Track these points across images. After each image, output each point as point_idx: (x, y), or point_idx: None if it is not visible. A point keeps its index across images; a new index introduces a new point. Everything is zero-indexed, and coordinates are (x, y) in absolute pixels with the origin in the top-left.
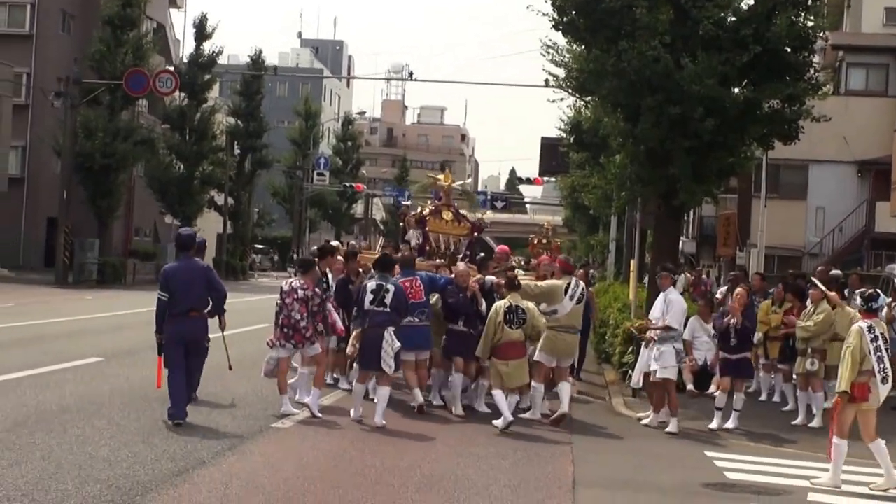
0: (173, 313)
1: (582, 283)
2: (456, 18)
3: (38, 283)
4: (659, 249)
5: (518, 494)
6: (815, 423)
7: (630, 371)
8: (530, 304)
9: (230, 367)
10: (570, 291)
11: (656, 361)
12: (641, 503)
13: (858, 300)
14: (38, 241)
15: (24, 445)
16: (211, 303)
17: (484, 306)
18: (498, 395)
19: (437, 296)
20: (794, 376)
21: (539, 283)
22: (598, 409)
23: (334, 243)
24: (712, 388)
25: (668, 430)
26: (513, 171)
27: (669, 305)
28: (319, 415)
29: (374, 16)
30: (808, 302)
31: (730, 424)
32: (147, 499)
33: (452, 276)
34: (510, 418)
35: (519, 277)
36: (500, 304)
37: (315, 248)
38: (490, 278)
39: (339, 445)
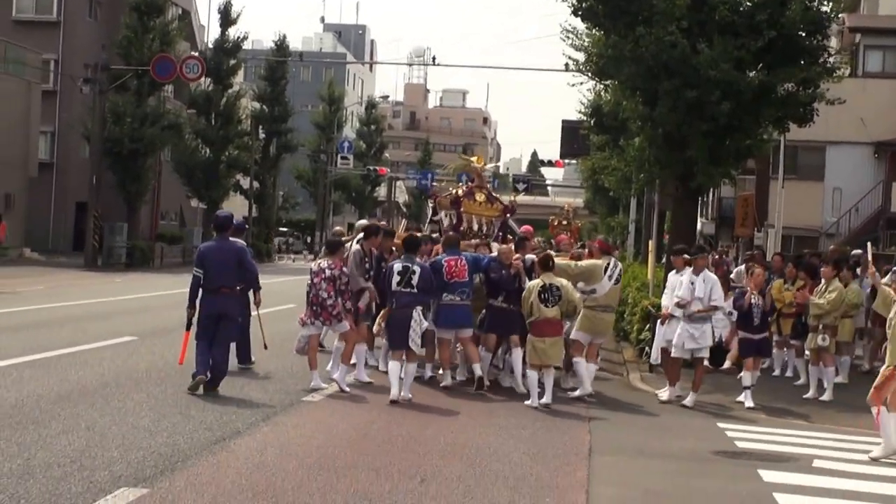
0: (206, 289)
1: (620, 264)
2: (474, 4)
3: (67, 266)
4: (677, 230)
5: (536, 461)
6: (826, 396)
7: (647, 348)
8: (563, 281)
9: (265, 346)
10: (608, 271)
11: (695, 340)
12: (653, 469)
13: None
14: (67, 226)
15: (69, 416)
16: (245, 281)
17: (527, 283)
18: (532, 376)
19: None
20: (806, 352)
21: (579, 263)
22: (616, 385)
23: (362, 222)
24: (726, 364)
25: (684, 402)
26: (534, 154)
27: (712, 286)
28: (347, 389)
29: (395, 1)
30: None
31: (740, 399)
32: (188, 464)
33: (493, 254)
34: (536, 403)
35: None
36: (534, 284)
37: (337, 228)
38: (530, 257)
39: (367, 417)
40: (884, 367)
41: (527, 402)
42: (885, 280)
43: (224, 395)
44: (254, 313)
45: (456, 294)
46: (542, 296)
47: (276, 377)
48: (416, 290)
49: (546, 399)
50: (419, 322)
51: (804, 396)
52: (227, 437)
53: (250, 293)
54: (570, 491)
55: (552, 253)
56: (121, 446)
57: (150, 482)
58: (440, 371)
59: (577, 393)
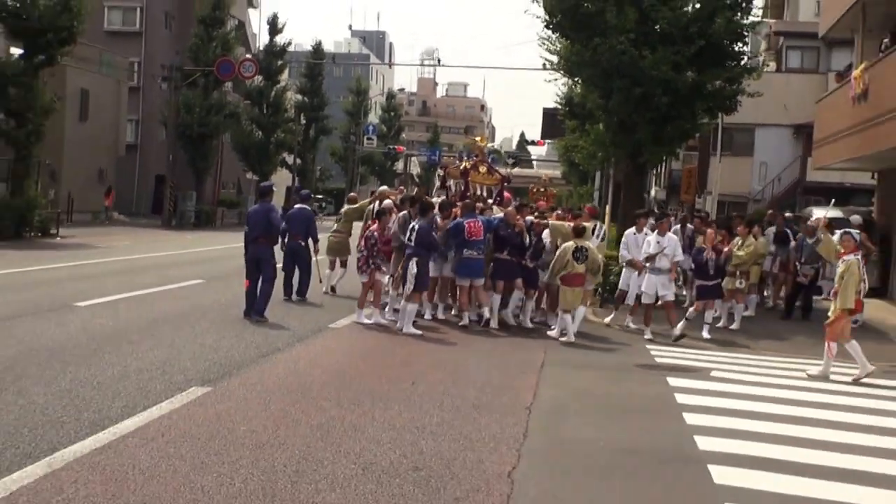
0: (249, 240)
1: (605, 226)
2: (479, 10)
3: (148, 226)
4: (627, 197)
5: (500, 371)
6: (735, 325)
7: (599, 289)
8: (590, 244)
9: (320, 281)
10: (596, 231)
11: (666, 287)
12: (586, 376)
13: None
14: (148, 194)
15: (153, 337)
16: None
17: (527, 240)
18: (566, 317)
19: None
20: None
21: (571, 224)
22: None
23: (383, 188)
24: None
25: (646, 336)
26: (522, 135)
27: (675, 245)
28: (368, 321)
29: (411, 9)
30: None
31: (706, 334)
32: (241, 371)
33: (499, 215)
34: (573, 339)
35: (550, 220)
36: (569, 245)
37: (351, 195)
38: (529, 218)
39: (377, 341)
40: (834, 308)
41: (550, 333)
42: (835, 237)
43: (270, 323)
44: (314, 259)
45: (474, 249)
46: (576, 254)
47: (310, 311)
48: (414, 244)
49: (570, 337)
50: (410, 271)
51: (717, 326)
52: (270, 352)
53: (311, 244)
54: (522, 391)
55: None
56: (192, 358)
57: (213, 383)
58: (436, 312)
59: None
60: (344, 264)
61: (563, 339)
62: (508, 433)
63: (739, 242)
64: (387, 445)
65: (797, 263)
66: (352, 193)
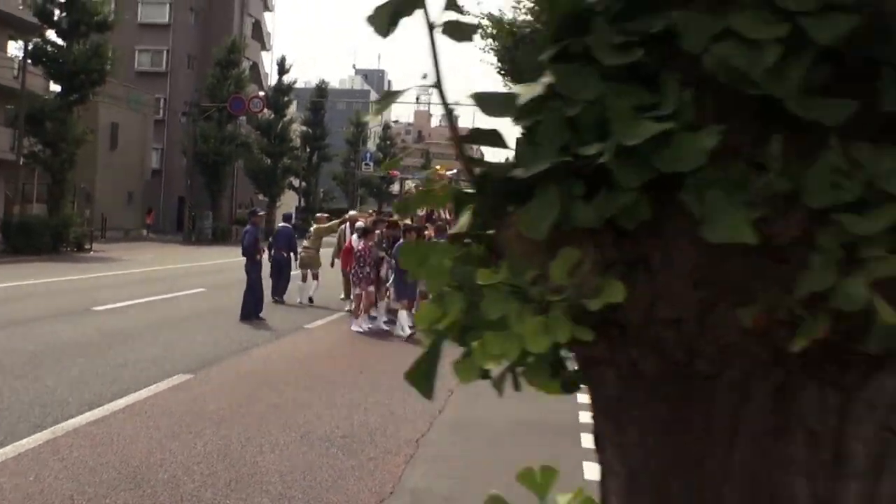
0: None
1: None
2: (475, 48)
3: (171, 241)
4: None
5: (439, 363)
6: None
7: None
8: None
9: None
10: None
11: None
12: None
13: None
14: (171, 213)
15: (156, 335)
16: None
17: None
18: None
19: None
20: None
21: None
22: None
23: (352, 213)
24: None
25: None
26: (507, 159)
27: None
28: (360, 329)
29: (409, 50)
30: None
31: None
32: (221, 362)
33: None
34: None
35: None
36: None
37: (318, 214)
38: None
39: (339, 339)
40: None
41: None
42: None
43: (255, 323)
44: (294, 272)
45: None
46: None
47: (292, 313)
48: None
49: None
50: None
51: None
52: (249, 347)
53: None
54: (451, 377)
55: None
56: (182, 352)
57: (195, 371)
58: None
59: None
60: (316, 276)
61: None
62: (428, 410)
63: None
64: (326, 419)
65: None
66: (319, 214)
